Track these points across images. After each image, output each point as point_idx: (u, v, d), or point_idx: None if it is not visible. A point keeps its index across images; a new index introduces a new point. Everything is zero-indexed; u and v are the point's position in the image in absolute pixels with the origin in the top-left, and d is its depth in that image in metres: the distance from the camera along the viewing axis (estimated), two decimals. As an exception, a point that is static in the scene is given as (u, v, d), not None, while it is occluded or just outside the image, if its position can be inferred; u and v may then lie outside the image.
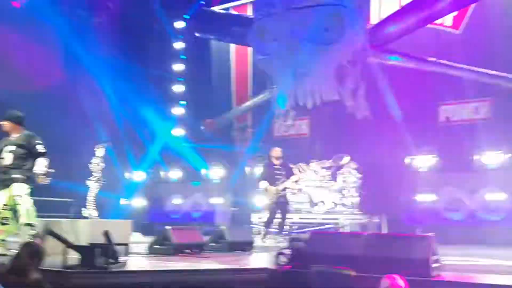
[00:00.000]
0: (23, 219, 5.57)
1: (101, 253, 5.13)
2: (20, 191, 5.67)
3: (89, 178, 6.91)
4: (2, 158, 5.75)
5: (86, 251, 5.16)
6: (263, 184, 8.88)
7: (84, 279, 4.70)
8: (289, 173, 9.03)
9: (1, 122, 5.87)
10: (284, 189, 8.83)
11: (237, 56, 13.14)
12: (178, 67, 13.31)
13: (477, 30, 10.29)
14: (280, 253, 5.05)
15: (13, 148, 5.75)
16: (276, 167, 8.94)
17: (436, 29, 10.66)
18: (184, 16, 13.10)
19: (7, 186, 5.69)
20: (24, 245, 4.15)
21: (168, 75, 12.82)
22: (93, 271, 4.81)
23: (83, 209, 6.82)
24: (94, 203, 6.89)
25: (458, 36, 10.57)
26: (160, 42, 12.74)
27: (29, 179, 5.73)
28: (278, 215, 8.98)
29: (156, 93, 12.23)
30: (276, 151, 9.06)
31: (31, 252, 3.97)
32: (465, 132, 10.07)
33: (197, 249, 6.55)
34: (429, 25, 10.55)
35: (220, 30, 12.69)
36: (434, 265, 4.28)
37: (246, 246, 7.01)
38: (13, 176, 5.66)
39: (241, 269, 5.32)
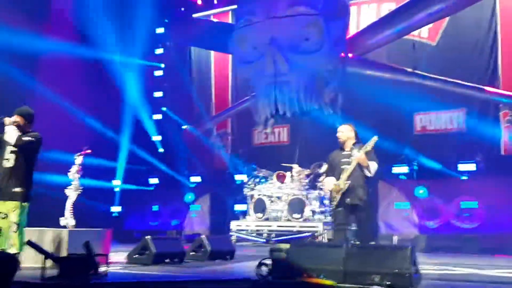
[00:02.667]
0: (13, 249, 5.16)
1: (80, 264, 5.09)
2: (16, 217, 5.25)
3: (67, 187, 6.82)
4: (7, 159, 5.37)
5: (66, 262, 5.11)
6: (327, 182, 6.05)
7: (63, 291, 4.64)
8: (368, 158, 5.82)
9: (13, 119, 5.45)
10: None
11: (217, 63, 13.16)
12: (158, 72, 13.29)
13: (451, 42, 10.57)
14: (261, 264, 5.08)
15: (16, 148, 5.35)
16: (345, 153, 5.99)
17: (412, 40, 10.90)
18: (165, 21, 13.10)
19: (7, 198, 5.29)
20: None
21: (148, 81, 12.74)
22: (72, 283, 4.75)
23: (60, 218, 6.72)
24: (72, 211, 6.81)
25: (433, 47, 10.82)
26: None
27: (28, 191, 5.37)
28: None
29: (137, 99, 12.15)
30: (342, 131, 6.05)
31: (4, 263, 3.91)
32: (440, 141, 10.30)
33: (177, 258, 6.53)
34: (406, 36, 10.78)
35: (201, 37, 12.70)
36: (413, 275, 4.37)
37: (227, 255, 7.01)
38: (14, 190, 5.28)
39: (223, 280, 5.32)
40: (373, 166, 5.89)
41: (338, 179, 5.89)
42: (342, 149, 6.04)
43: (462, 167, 9.84)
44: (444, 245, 9.08)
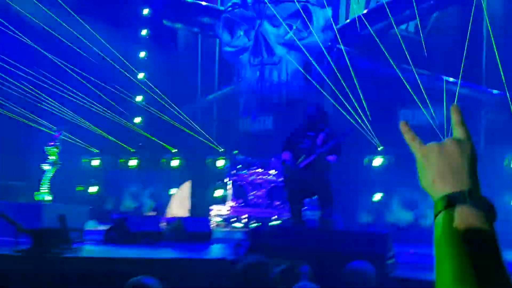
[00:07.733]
0: None
1: (54, 237, 5.00)
2: None
3: (44, 162, 6.72)
4: None
5: (39, 235, 5.01)
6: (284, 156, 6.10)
7: (35, 264, 4.55)
8: (330, 148, 5.76)
9: None
10: (307, 160, 5.73)
11: (204, 47, 13.02)
12: (142, 54, 13.07)
13: (438, 37, 10.60)
14: (238, 245, 5.06)
15: None
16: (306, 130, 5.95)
17: (399, 34, 10.89)
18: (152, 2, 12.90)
19: None
20: None
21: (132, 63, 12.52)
22: (44, 256, 4.67)
23: (35, 193, 6.62)
24: (49, 187, 6.70)
25: (419, 42, 10.83)
26: (125, 28, 12.44)
27: None
28: None
29: (119, 80, 11.94)
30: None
31: None
32: (421, 136, 10.35)
33: (153, 238, 6.47)
34: (392, 30, 10.78)
35: (188, 20, 12.55)
36: (389, 261, 4.39)
37: (204, 237, 6.98)
38: None
39: (199, 259, 5.28)
40: None
41: (294, 156, 6.13)
42: (304, 123, 6.32)
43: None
44: (421, 236, 9.14)
